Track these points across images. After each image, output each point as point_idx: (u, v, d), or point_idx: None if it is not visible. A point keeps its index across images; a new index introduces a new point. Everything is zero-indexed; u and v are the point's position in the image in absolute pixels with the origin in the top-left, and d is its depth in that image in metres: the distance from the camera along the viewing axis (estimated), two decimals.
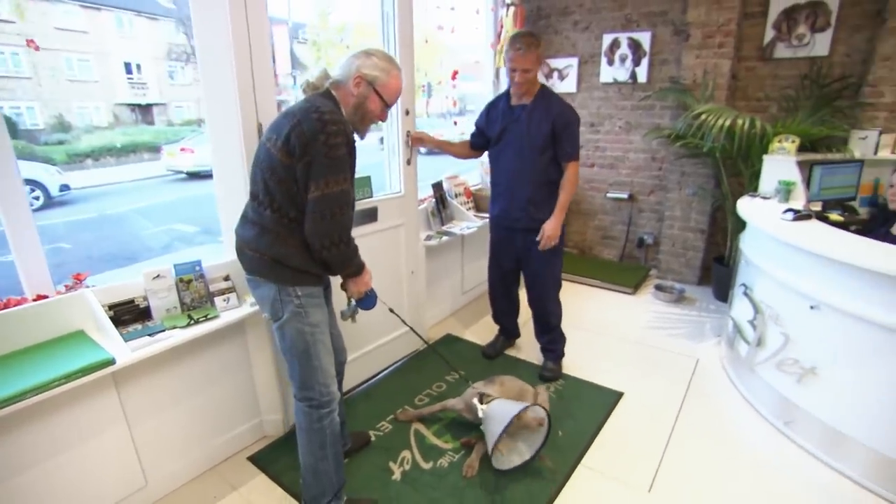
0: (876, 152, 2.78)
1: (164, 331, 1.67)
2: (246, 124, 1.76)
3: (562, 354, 2.64)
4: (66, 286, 1.74)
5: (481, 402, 1.90)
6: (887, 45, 2.79)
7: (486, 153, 2.60)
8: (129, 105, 18.66)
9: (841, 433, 1.87)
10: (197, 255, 1.83)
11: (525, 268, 2.53)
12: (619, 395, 2.40)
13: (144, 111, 19.15)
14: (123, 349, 1.52)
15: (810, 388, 1.98)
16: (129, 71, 18.46)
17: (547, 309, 2.55)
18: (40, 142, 14.12)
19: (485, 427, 1.88)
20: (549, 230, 2.30)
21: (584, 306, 3.39)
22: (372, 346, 2.53)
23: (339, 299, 1.74)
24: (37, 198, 7.87)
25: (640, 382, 2.50)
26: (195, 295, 1.81)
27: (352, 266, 1.53)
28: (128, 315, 1.69)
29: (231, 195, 1.86)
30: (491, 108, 2.44)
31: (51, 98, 16.15)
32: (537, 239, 2.33)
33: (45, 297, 1.58)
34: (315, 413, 1.57)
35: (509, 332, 2.84)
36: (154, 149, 14.26)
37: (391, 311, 1.92)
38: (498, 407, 1.86)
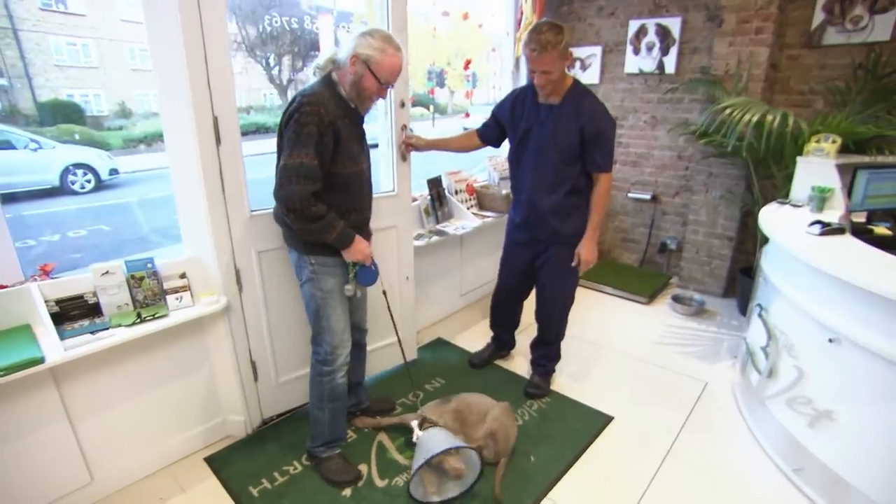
0: None
1: (108, 328, 1.64)
2: (199, 118, 1.67)
3: (552, 371, 2.44)
4: (32, 277, 1.74)
5: (420, 428, 1.79)
6: None
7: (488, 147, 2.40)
8: None
9: (859, 491, 1.59)
10: None
11: (538, 280, 2.31)
12: (609, 419, 2.18)
13: None
14: (57, 347, 1.48)
15: (825, 434, 1.70)
16: None
17: (552, 325, 2.35)
18: (104, 127, 15.02)
19: (415, 453, 1.76)
20: (586, 255, 2.10)
21: (590, 315, 3.15)
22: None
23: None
24: (88, 181, 8.34)
25: (634, 406, 2.27)
26: (148, 292, 1.77)
27: (327, 239, 1.59)
28: (76, 311, 1.67)
29: (188, 192, 1.79)
30: (516, 102, 2.14)
31: (115, 86, 17.14)
32: (573, 264, 2.14)
33: (4, 287, 1.58)
34: (318, 367, 1.78)
35: (503, 342, 2.66)
36: None
37: (384, 293, 1.92)
38: (430, 438, 1.73)
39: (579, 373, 2.54)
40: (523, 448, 1.99)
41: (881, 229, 2.22)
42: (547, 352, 2.41)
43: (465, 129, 2.54)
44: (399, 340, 2.08)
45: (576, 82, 2.02)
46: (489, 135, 2.30)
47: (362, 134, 1.73)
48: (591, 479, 1.86)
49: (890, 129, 2.45)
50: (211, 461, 1.94)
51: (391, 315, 2.02)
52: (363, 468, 1.90)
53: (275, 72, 18.34)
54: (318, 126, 1.49)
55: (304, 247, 1.67)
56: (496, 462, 1.85)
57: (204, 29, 1.61)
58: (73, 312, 1.66)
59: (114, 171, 8.64)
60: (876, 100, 2.61)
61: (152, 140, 13.28)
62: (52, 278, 1.72)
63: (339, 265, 1.73)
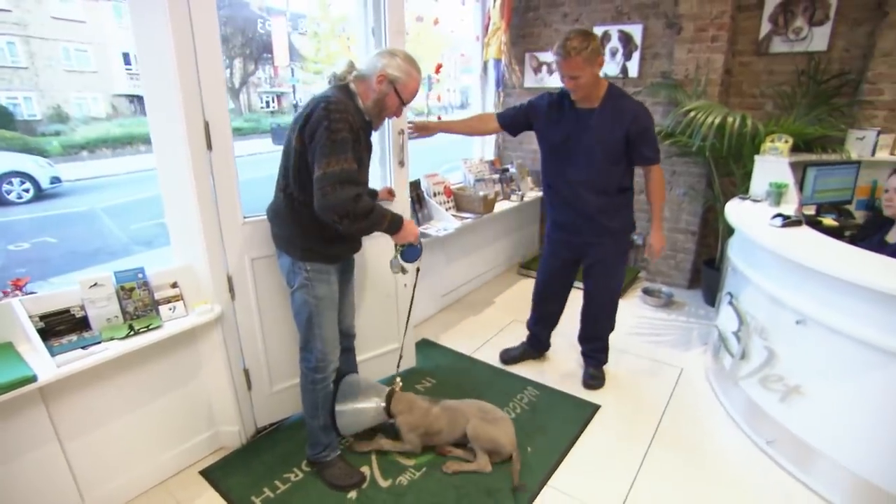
0: (874, 153, 2.65)
1: (100, 342, 1.57)
2: (190, 123, 1.63)
3: (605, 361, 2.52)
4: (3, 292, 1.64)
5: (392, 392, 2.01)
6: (888, 40, 2.64)
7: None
8: (127, 96, 18.53)
9: (826, 456, 1.76)
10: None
11: (589, 279, 2.36)
12: (596, 407, 2.29)
13: (143, 102, 18.99)
14: (49, 365, 1.41)
15: (794, 407, 1.87)
16: (127, 62, 18.31)
17: (603, 321, 2.45)
18: (38, 133, 14.00)
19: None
20: (657, 244, 2.23)
21: (567, 310, 3.25)
22: (363, 356, 2.35)
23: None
24: (27, 190, 7.76)
25: (618, 394, 2.40)
26: (139, 303, 1.71)
27: (379, 229, 1.62)
28: (62, 326, 1.59)
29: (178, 199, 1.75)
30: (552, 108, 2.16)
31: (48, 88, 16.02)
32: (645, 256, 2.24)
33: None
34: (310, 375, 1.77)
35: (540, 342, 2.66)
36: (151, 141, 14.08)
37: (417, 270, 1.98)
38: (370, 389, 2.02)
39: (564, 366, 2.64)
40: (520, 440, 2.05)
41: (828, 220, 2.45)
42: (600, 345, 2.49)
43: None
44: (405, 329, 2.20)
45: (611, 86, 2.06)
46: (511, 124, 2.31)
47: (371, 147, 1.76)
48: (587, 465, 1.95)
49: (832, 130, 2.70)
50: (207, 474, 1.89)
51: (413, 295, 2.08)
52: (365, 470, 1.91)
53: (226, 75, 17.64)
54: (350, 132, 1.50)
55: (300, 252, 1.67)
56: (508, 457, 1.92)
57: (194, 31, 1.58)
58: (58, 328, 1.58)
59: (55, 180, 8.08)
60: (818, 103, 2.87)
61: (95, 146, 12.50)
62: (27, 293, 1.64)
63: (333, 272, 1.74)
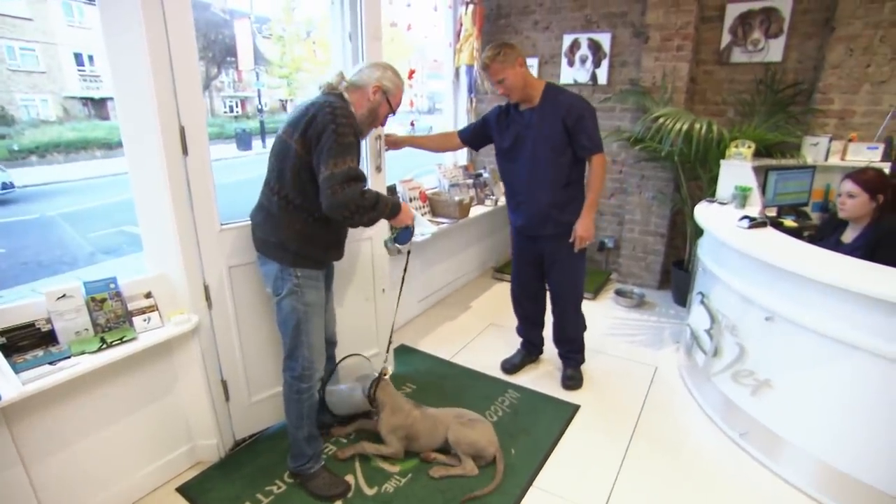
0: (826, 158, 2.81)
1: (69, 357, 1.49)
2: (166, 129, 1.57)
3: (582, 361, 2.55)
4: None
5: (380, 376, 2.01)
6: (835, 54, 2.82)
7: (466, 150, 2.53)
8: (80, 99, 17.70)
9: (795, 446, 1.85)
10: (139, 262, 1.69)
11: (550, 277, 2.42)
12: (576, 407, 2.33)
13: (98, 105, 18.22)
14: (13, 382, 1.33)
15: (765, 400, 1.95)
16: (80, 62, 17.50)
17: (571, 320, 2.47)
18: None
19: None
20: (581, 230, 2.21)
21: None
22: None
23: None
24: None
25: (597, 393, 2.45)
26: (111, 315, 1.63)
27: (383, 216, 1.66)
28: (26, 341, 1.50)
29: (152, 206, 1.68)
30: (500, 116, 2.30)
31: None
32: (570, 240, 2.24)
33: None
34: (295, 385, 1.75)
35: (533, 345, 2.69)
36: (108, 146, 13.44)
37: (408, 252, 1.98)
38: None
39: (542, 367, 2.68)
40: (503, 443, 2.06)
41: (789, 222, 2.58)
42: (576, 346, 2.53)
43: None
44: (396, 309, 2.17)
45: (548, 84, 2.17)
46: (471, 139, 2.45)
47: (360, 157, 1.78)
48: (570, 464, 1.98)
49: (789, 136, 2.86)
50: (185, 491, 1.82)
51: (403, 276, 2.04)
52: (350, 478, 1.88)
53: None
54: (355, 136, 1.56)
55: (292, 258, 1.65)
56: (493, 460, 1.93)
57: (168, 31, 1.53)
58: (22, 343, 1.49)
59: (8, 186, 7.58)
60: (775, 111, 3.04)
61: (46, 151, 11.85)
62: None
63: (321, 278, 1.74)
